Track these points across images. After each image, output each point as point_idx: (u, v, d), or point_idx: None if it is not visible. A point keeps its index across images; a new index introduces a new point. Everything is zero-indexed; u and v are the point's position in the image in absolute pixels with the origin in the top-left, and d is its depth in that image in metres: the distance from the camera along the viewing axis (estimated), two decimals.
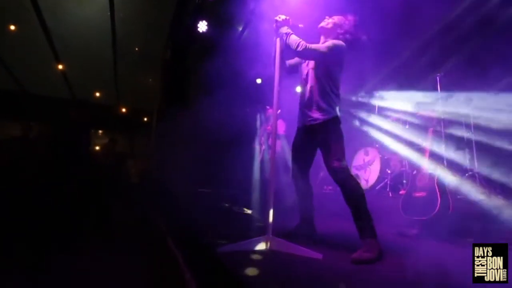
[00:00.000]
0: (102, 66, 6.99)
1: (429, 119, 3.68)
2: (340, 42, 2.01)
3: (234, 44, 5.34)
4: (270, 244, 1.75)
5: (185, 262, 1.48)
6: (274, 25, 2.04)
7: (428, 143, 3.00)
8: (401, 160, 3.85)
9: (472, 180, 3.20)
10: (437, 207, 2.48)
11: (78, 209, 2.80)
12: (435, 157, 3.44)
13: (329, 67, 2.03)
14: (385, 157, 3.96)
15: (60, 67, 6.91)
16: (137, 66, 7.04)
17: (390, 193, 3.64)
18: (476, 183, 3.14)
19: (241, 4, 4.01)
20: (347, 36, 2.04)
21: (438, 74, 3.68)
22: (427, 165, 2.81)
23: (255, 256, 1.65)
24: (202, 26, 5.04)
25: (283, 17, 2.03)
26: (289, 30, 1.99)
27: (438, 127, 3.44)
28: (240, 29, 5.28)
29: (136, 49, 6.88)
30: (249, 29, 5.14)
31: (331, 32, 2.08)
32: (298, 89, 2.35)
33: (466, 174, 3.25)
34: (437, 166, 2.74)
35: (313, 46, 1.96)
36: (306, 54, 1.96)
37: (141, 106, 9.15)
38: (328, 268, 1.57)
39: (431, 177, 2.68)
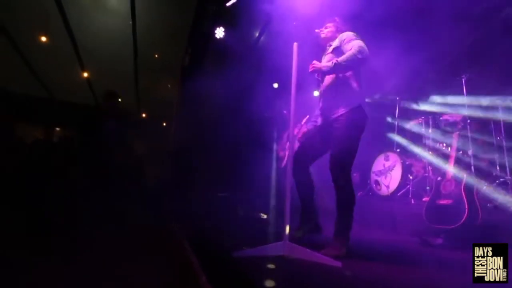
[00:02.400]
0: (124, 73, 7.26)
1: (454, 122, 3.52)
2: (353, 36, 2.04)
3: (251, 49, 5.38)
4: (286, 250, 1.71)
5: (201, 265, 1.48)
6: (315, 72, 2.08)
7: (453, 147, 2.86)
8: (424, 165, 3.69)
9: (504, 187, 3.01)
10: (465, 216, 2.34)
11: (95, 211, 2.88)
12: (462, 163, 3.28)
13: (341, 55, 2.04)
14: (407, 163, 3.82)
15: (85, 74, 7.24)
16: (157, 72, 7.25)
17: (412, 200, 3.50)
18: (508, 190, 2.95)
19: (257, 9, 4.05)
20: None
21: (464, 76, 3.52)
22: (452, 171, 2.67)
23: (271, 262, 1.62)
24: (220, 32, 5.13)
25: (312, 65, 2.05)
26: (327, 65, 2.00)
27: (464, 130, 3.27)
28: (257, 34, 5.32)
29: (156, 56, 7.09)
30: (265, 34, 5.17)
31: (331, 38, 2.19)
32: (316, 92, 2.33)
33: (497, 181, 3.06)
34: (464, 172, 2.60)
35: (351, 55, 1.94)
36: (354, 66, 2.00)
37: (160, 111, 9.39)
38: (347, 277, 1.51)
39: (457, 184, 2.55)
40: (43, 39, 5.95)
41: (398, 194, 3.68)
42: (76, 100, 8.39)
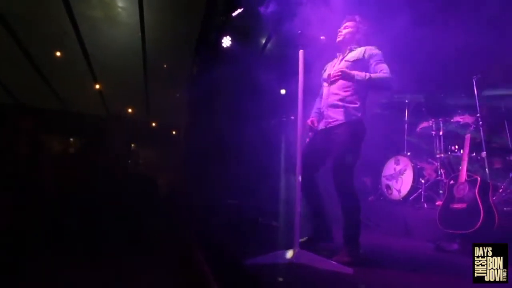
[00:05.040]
0: (134, 83, 7.44)
1: (465, 124, 3.45)
2: (381, 56, 1.99)
3: (258, 57, 5.44)
4: (297, 257, 1.71)
5: (213, 274, 1.49)
6: (343, 79, 1.98)
7: (465, 150, 2.81)
8: (436, 168, 3.62)
9: None
10: (480, 220, 2.29)
11: (107, 222, 2.92)
12: (475, 165, 3.21)
13: (362, 69, 1.99)
14: (418, 166, 3.75)
15: (97, 86, 7.46)
16: (165, 82, 7.40)
17: (425, 204, 3.43)
18: None
19: (262, 18, 4.11)
20: (368, 37, 2.07)
21: (475, 76, 3.45)
22: (465, 174, 2.62)
23: (282, 269, 1.62)
24: (226, 41, 5.22)
25: (341, 71, 1.94)
26: (360, 74, 1.93)
27: (476, 132, 3.20)
28: (263, 42, 5.38)
29: (165, 66, 7.24)
30: (271, 42, 5.23)
31: (350, 41, 2.10)
32: (325, 84, 2.27)
33: None
34: (477, 175, 2.54)
35: (385, 78, 1.92)
36: (379, 88, 2.02)
37: (169, 120, 9.55)
38: (359, 284, 1.50)
39: (471, 187, 2.49)
40: (58, 54, 6.18)
41: (410, 199, 3.61)
42: (88, 111, 8.65)
